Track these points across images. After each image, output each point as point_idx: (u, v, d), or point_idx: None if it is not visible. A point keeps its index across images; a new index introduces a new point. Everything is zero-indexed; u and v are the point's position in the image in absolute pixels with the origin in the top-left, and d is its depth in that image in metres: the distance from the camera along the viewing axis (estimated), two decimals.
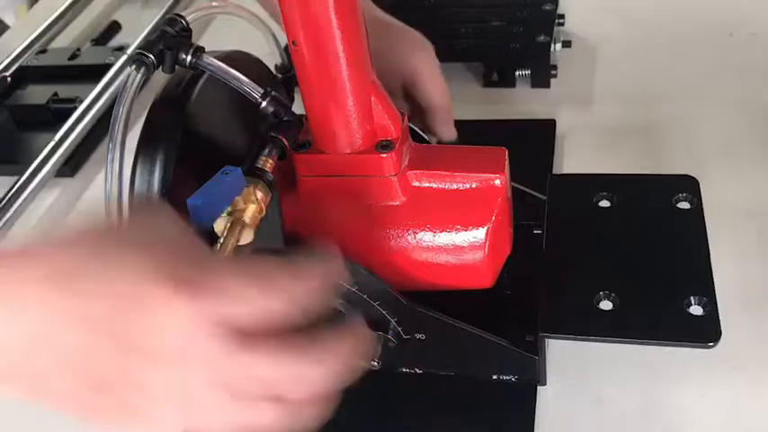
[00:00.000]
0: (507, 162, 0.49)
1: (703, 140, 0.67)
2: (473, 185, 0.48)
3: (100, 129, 0.78)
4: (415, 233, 0.48)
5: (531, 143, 0.68)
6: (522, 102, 0.74)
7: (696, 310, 0.46)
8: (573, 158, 0.68)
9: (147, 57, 0.44)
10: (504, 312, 0.52)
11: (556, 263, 0.51)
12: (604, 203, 0.54)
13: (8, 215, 0.69)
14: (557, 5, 0.77)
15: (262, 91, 0.46)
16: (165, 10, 0.92)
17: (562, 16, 0.78)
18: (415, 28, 0.78)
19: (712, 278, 0.47)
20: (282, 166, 0.47)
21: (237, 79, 0.46)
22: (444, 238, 0.48)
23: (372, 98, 0.47)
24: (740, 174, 0.63)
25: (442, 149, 0.55)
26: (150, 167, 0.44)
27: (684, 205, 0.53)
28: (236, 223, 0.40)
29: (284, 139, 0.46)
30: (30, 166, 0.72)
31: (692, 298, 0.46)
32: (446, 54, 0.75)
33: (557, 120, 0.71)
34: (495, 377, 0.50)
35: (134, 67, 0.44)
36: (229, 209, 0.41)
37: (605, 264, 0.50)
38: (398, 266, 0.49)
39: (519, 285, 0.53)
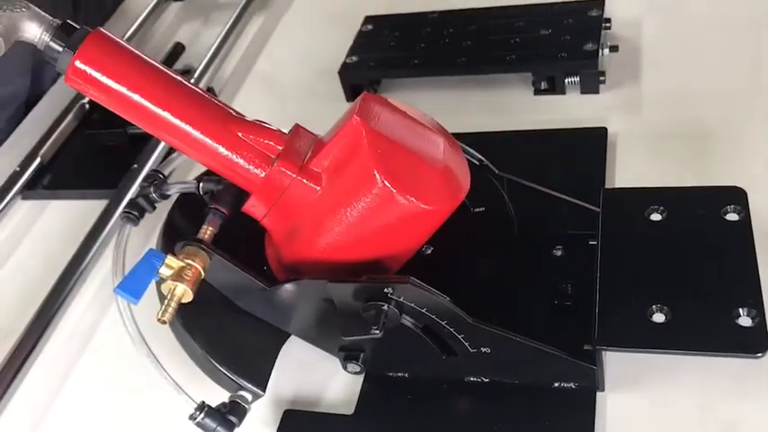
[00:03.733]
0: (364, 103, 0.52)
1: (755, 143, 0.68)
2: (346, 142, 0.51)
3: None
4: (349, 211, 0.51)
5: (583, 153, 0.71)
6: (572, 109, 0.77)
7: (745, 321, 0.49)
8: (624, 164, 0.70)
9: (132, 213, 0.61)
10: (565, 323, 0.56)
11: (610, 276, 0.54)
12: (655, 217, 0.57)
13: (101, 239, 0.76)
14: (602, 11, 0.79)
15: (195, 182, 0.59)
16: (227, 28, 0.97)
17: (608, 20, 0.80)
18: (465, 42, 0.82)
19: (760, 289, 0.50)
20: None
21: (179, 184, 0.62)
22: (367, 199, 0.50)
23: (239, 133, 0.53)
24: None
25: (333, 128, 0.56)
26: None
27: (733, 217, 0.55)
28: (173, 287, 0.51)
29: (218, 207, 0.56)
30: (115, 190, 0.79)
31: (740, 309, 0.49)
32: (497, 65, 0.79)
33: (608, 124, 0.73)
34: (556, 384, 0.55)
35: (124, 221, 0.61)
36: (161, 277, 0.51)
37: (657, 277, 0.53)
38: (377, 244, 0.53)
39: (578, 295, 0.57)
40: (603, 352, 0.53)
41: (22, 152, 0.88)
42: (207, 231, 0.55)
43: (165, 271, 0.51)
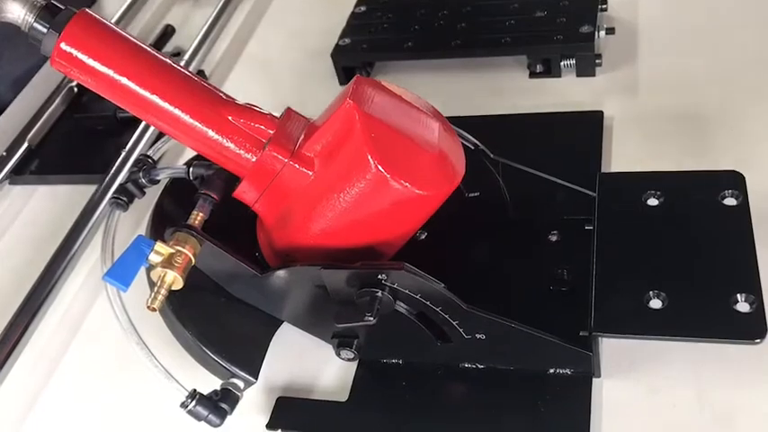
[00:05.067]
0: (357, 87, 0.52)
1: (753, 126, 0.67)
2: (339, 126, 0.50)
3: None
4: (343, 196, 0.50)
5: (579, 137, 0.70)
6: (568, 92, 0.76)
7: (743, 306, 0.49)
8: (620, 147, 0.69)
9: (121, 198, 0.60)
10: (561, 309, 0.55)
11: (606, 261, 0.53)
12: (652, 201, 0.56)
13: (90, 224, 0.75)
14: None
15: (185, 167, 0.58)
16: (217, 10, 0.95)
17: (605, 2, 0.78)
18: (460, 24, 0.81)
19: (758, 275, 0.50)
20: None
21: (168, 169, 0.61)
22: (360, 184, 0.50)
23: (229, 117, 0.52)
24: None
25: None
26: None
27: (730, 201, 0.55)
28: (163, 274, 0.50)
29: (209, 192, 0.55)
30: (103, 175, 0.78)
31: (738, 295, 0.49)
32: (492, 48, 0.78)
33: (604, 107, 0.72)
34: (551, 371, 0.54)
35: (113, 207, 0.60)
36: (151, 264, 0.50)
37: (654, 262, 0.53)
38: (361, 233, 0.52)
39: (574, 281, 0.56)
40: (599, 338, 0.52)
41: (8, 137, 0.86)
42: (197, 217, 0.54)
43: (154, 258, 0.50)
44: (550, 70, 0.76)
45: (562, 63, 0.75)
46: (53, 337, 0.68)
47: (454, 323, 0.52)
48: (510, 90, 0.77)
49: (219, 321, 0.59)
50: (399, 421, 0.55)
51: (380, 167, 0.49)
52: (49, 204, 0.81)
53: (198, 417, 0.53)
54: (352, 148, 0.50)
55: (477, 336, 0.53)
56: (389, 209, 0.51)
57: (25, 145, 0.85)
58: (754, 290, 0.49)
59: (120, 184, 0.61)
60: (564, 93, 0.76)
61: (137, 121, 0.81)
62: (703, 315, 0.49)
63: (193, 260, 0.51)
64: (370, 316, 0.50)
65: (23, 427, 0.62)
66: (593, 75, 0.76)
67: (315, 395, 0.58)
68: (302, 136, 0.53)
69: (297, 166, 0.52)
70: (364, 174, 0.50)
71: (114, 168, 0.78)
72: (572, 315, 0.54)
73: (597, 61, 0.75)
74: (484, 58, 0.79)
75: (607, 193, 0.58)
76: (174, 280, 0.50)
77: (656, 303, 0.50)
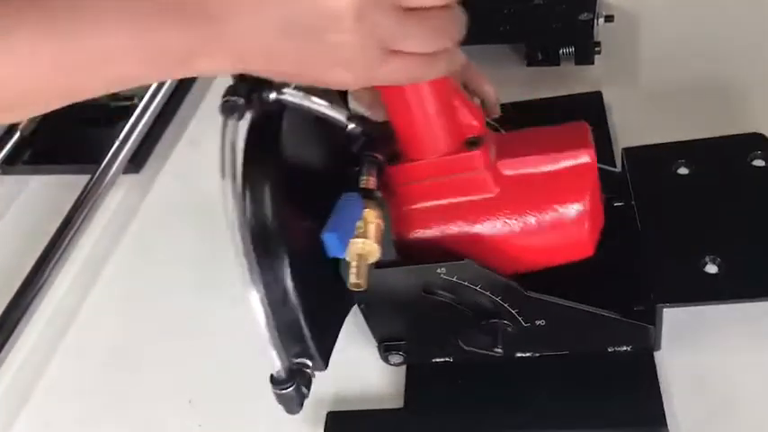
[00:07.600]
0: (591, 135, 0.52)
1: (754, 111, 0.68)
2: (564, 164, 0.50)
3: (160, 123, 0.81)
4: (516, 220, 0.50)
5: (582, 116, 0.69)
6: (567, 79, 0.75)
7: None
8: (620, 135, 0.69)
9: (239, 101, 0.43)
10: (608, 287, 0.55)
11: (652, 234, 0.53)
12: (683, 170, 0.57)
13: (83, 215, 0.72)
14: None
15: (347, 113, 0.48)
16: None
17: None
18: None
19: None
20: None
21: (322, 106, 0.47)
22: (545, 220, 0.50)
23: (455, 103, 0.49)
24: None
25: (525, 134, 0.56)
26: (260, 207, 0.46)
27: (759, 162, 0.55)
28: (365, 246, 0.44)
29: (378, 156, 0.48)
30: (97, 165, 0.75)
31: None
32: (489, 36, 0.77)
33: (604, 95, 0.72)
34: (609, 350, 0.53)
35: (227, 114, 0.43)
36: (356, 233, 0.44)
37: (699, 229, 0.53)
38: (506, 254, 0.51)
39: (616, 258, 0.56)
40: (661, 310, 0.51)
41: (0, 126, 0.83)
42: (371, 181, 0.47)
43: (360, 226, 0.45)
44: (549, 58, 0.76)
45: (561, 51, 0.75)
46: (46, 330, 0.66)
47: (514, 312, 0.51)
48: (508, 78, 0.76)
49: (314, 296, 0.49)
50: (462, 420, 0.53)
51: (587, 220, 0.49)
52: (42, 195, 0.78)
53: (285, 400, 0.45)
54: (568, 190, 0.49)
55: (537, 322, 0.52)
56: (544, 244, 0.51)
57: (17, 134, 0.82)
58: None
59: (236, 86, 0.44)
60: (563, 80, 0.76)
61: (131, 111, 0.79)
62: (761, 274, 0.49)
63: (384, 228, 0.46)
64: (499, 348, 0.51)
65: (17, 422, 0.60)
66: (592, 63, 0.76)
67: (367, 405, 0.55)
68: (495, 148, 0.50)
69: (490, 177, 0.49)
70: (566, 219, 0.49)
71: (108, 158, 0.75)
72: (620, 292, 0.53)
73: (596, 49, 0.75)
74: (482, 45, 0.78)
75: (636, 167, 0.58)
76: (372, 250, 0.45)
77: (711, 269, 0.50)
